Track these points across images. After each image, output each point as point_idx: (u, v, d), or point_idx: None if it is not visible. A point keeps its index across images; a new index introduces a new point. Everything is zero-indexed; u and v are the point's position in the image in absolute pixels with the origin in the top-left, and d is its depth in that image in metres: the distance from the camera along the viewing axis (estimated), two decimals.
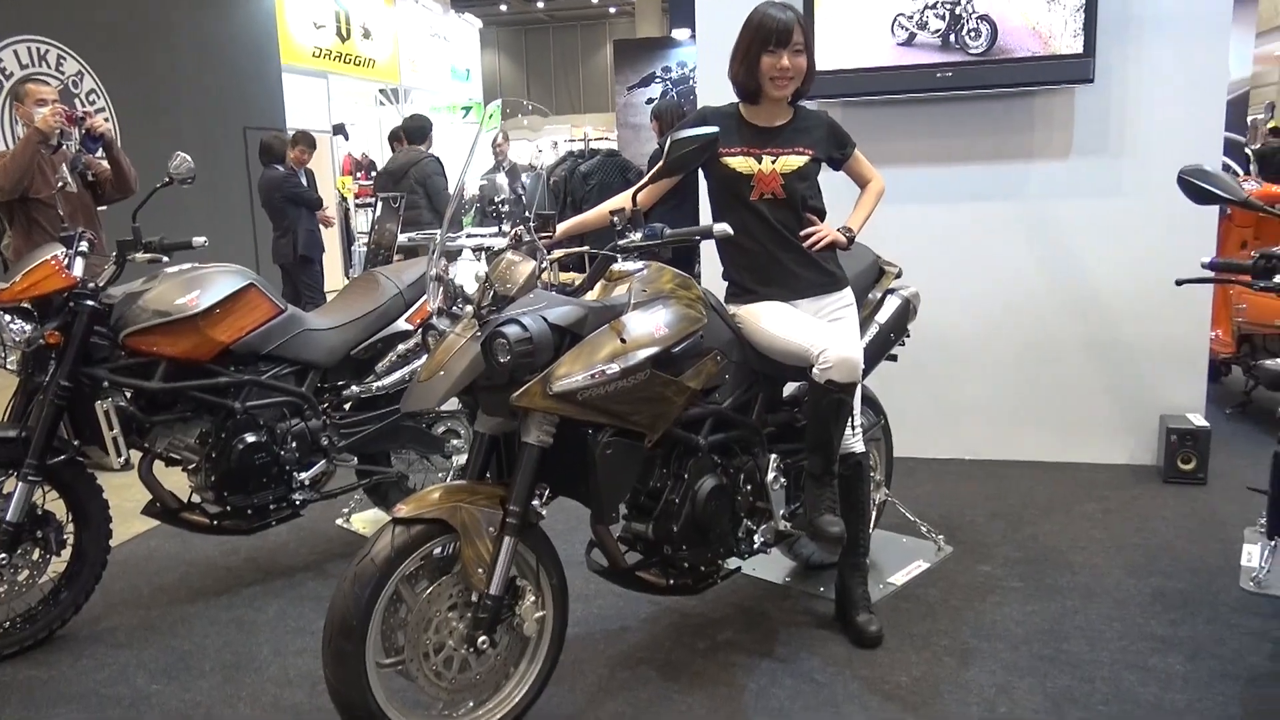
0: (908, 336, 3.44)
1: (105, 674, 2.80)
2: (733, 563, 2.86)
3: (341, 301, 3.63)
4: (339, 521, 4.00)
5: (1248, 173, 7.13)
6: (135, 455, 3.11)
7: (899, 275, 3.30)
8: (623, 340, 2.31)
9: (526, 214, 2.59)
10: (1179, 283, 2.63)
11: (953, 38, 4.13)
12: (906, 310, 3.26)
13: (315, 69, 12.30)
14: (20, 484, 2.82)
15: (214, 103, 9.69)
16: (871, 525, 3.31)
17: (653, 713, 2.51)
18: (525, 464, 2.29)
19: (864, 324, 3.17)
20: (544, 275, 2.39)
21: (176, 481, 3.27)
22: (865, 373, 3.17)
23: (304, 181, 7.54)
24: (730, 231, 2.40)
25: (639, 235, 2.38)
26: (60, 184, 4.08)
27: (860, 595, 2.91)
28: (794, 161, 2.76)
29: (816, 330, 2.67)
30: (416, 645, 2.21)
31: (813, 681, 2.64)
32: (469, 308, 2.30)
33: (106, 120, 4.39)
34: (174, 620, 3.14)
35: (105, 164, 4.26)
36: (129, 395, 3.07)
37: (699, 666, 2.74)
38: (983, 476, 4.32)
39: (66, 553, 3.01)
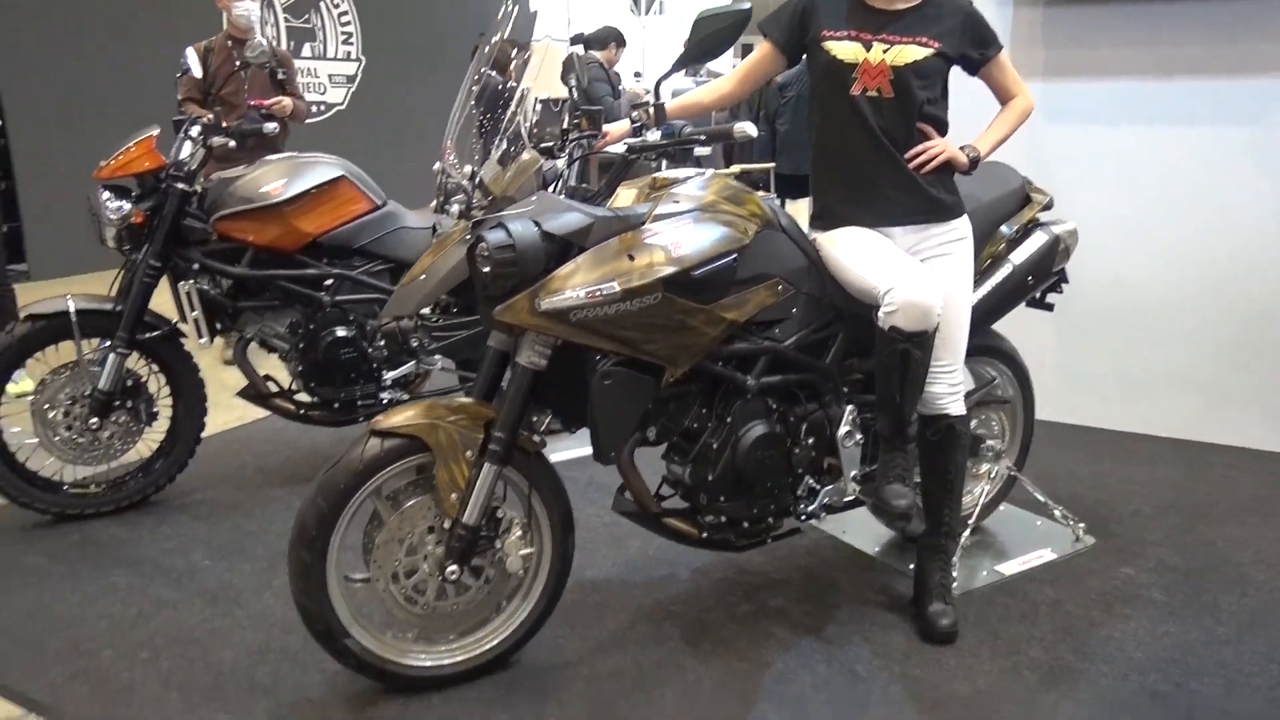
0: (1065, 282, 2.85)
1: (171, 544, 2.92)
2: (790, 523, 2.50)
3: None
4: None
5: None
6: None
7: (1049, 206, 2.70)
8: (630, 257, 1.99)
9: (578, 109, 2.31)
10: None
11: None
12: (1054, 249, 2.67)
13: None
14: (111, 354, 2.97)
15: (454, 10, 9.89)
16: (980, 505, 2.83)
17: (655, 677, 2.26)
18: (514, 386, 2.06)
19: (996, 261, 2.64)
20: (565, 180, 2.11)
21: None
22: (991, 319, 2.69)
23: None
24: (752, 133, 1.99)
25: (656, 135, 2.03)
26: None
27: (937, 582, 2.47)
28: (912, 53, 2.27)
29: (892, 265, 2.21)
30: (385, 565, 2.08)
31: (850, 673, 2.27)
32: (455, 206, 2.07)
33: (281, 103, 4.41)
34: (255, 502, 3.24)
35: (286, 101, 4.37)
36: (221, 280, 3.13)
37: (730, 633, 2.44)
38: (1172, 460, 3.59)
39: (165, 426, 3.17)
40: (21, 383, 3.49)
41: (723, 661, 2.32)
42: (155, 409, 3.12)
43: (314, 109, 8.75)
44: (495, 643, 2.22)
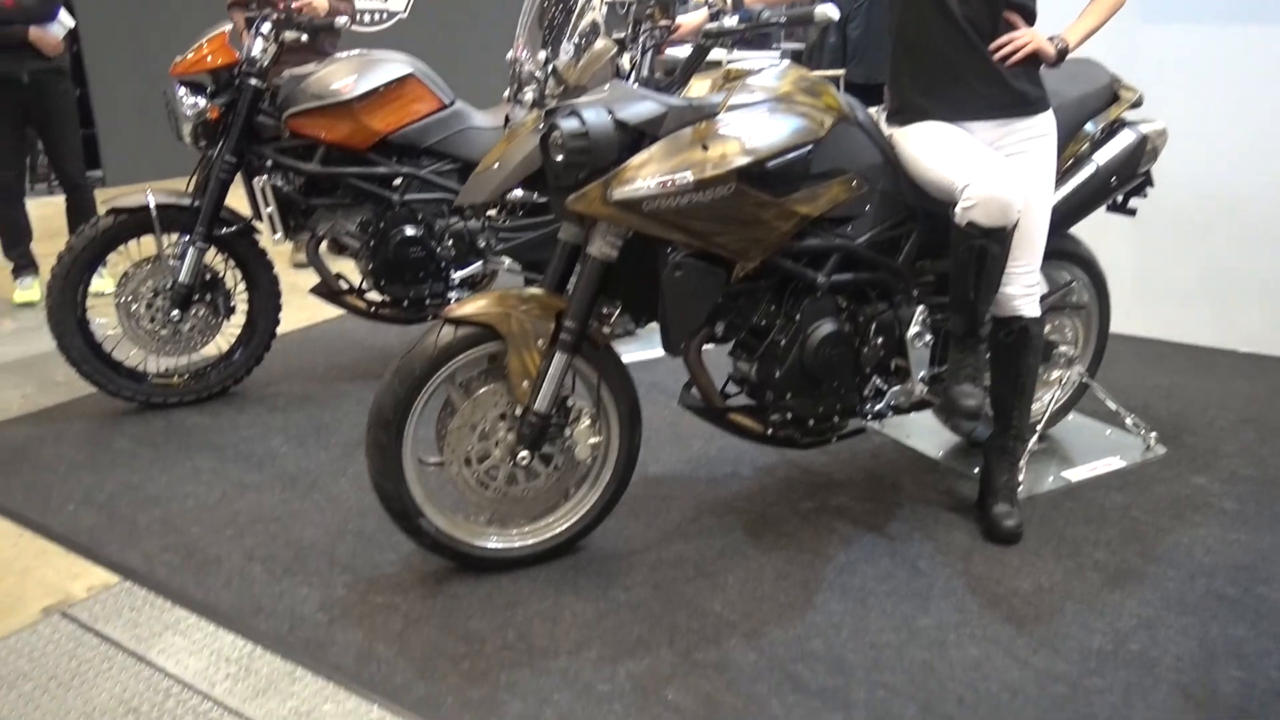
0: (1150, 185, 2.75)
1: (251, 432, 3.03)
2: (855, 423, 2.51)
3: None
4: None
5: None
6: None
7: (1137, 104, 2.59)
8: (704, 147, 1.97)
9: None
10: None
11: None
12: (1140, 149, 2.57)
13: None
14: (191, 249, 3.04)
15: None
16: (1049, 411, 2.79)
17: (719, 565, 2.31)
18: (585, 277, 2.08)
19: (1079, 161, 2.56)
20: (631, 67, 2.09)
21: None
22: (1070, 222, 2.62)
23: None
24: (834, 15, 1.92)
25: (733, 21, 1.99)
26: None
27: (1003, 484, 2.46)
28: None
29: (971, 159, 2.16)
30: (458, 449, 2.14)
31: (912, 568, 2.29)
32: (529, 95, 2.06)
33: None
34: (329, 395, 3.34)
35: (318, 1, 4.22)
36: (293, 177, 3.17)
37: (792, 527, 2.47)
38: (1253, 374, 3.50)
39: (241, 321, 3.26)
40: (105, 279, 3.61)
41: (785, 553, 2.35)
42: (233, 303, 3.21)
43: (376, 16, 8.68)
44: (564, 528, 2.28)
